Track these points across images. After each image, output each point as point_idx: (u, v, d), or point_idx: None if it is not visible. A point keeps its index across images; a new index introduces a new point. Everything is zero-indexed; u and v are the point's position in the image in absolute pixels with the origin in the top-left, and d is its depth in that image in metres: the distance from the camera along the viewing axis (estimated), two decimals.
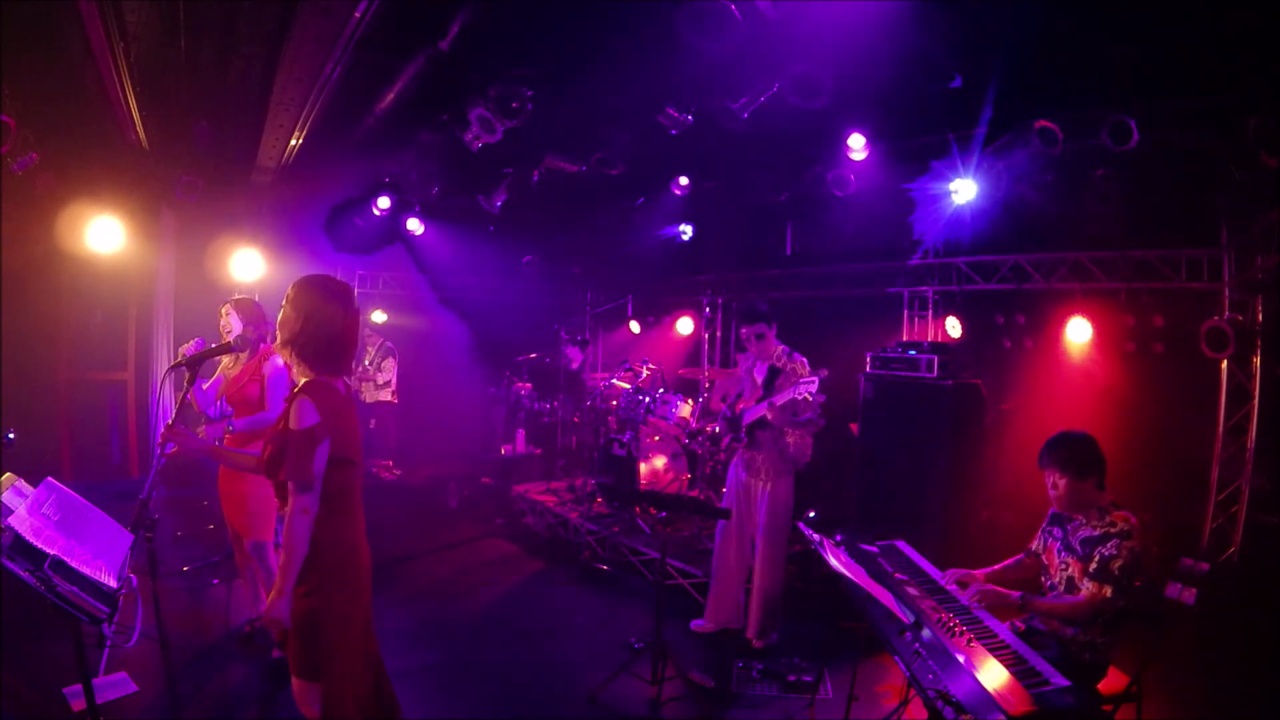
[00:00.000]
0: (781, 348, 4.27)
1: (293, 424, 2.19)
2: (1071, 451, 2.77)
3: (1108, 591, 2.61)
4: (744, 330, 4.30)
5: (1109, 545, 2.65)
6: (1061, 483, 2.77)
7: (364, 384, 8.25)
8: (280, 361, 3.80)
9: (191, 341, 3.86)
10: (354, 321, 2.37)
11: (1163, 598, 4.52)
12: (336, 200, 7.54)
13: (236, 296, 4.05)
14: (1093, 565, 2.67)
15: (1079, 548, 2.76)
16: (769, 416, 4.05)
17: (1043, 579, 2.94)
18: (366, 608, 2.39)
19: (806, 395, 3.84)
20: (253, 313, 3.86)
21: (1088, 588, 2.66)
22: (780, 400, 3.98)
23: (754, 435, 4.22)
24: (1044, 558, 2.96)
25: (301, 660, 2.21)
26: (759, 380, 4.24)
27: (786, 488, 4.24)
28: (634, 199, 7.90)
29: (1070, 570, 2.78)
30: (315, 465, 2.18)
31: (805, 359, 4.23)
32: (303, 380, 2.31)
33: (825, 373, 3.91)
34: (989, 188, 5.40)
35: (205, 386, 3.96)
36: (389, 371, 8.31)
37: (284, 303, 2.33)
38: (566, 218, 8.61)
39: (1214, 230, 4.91)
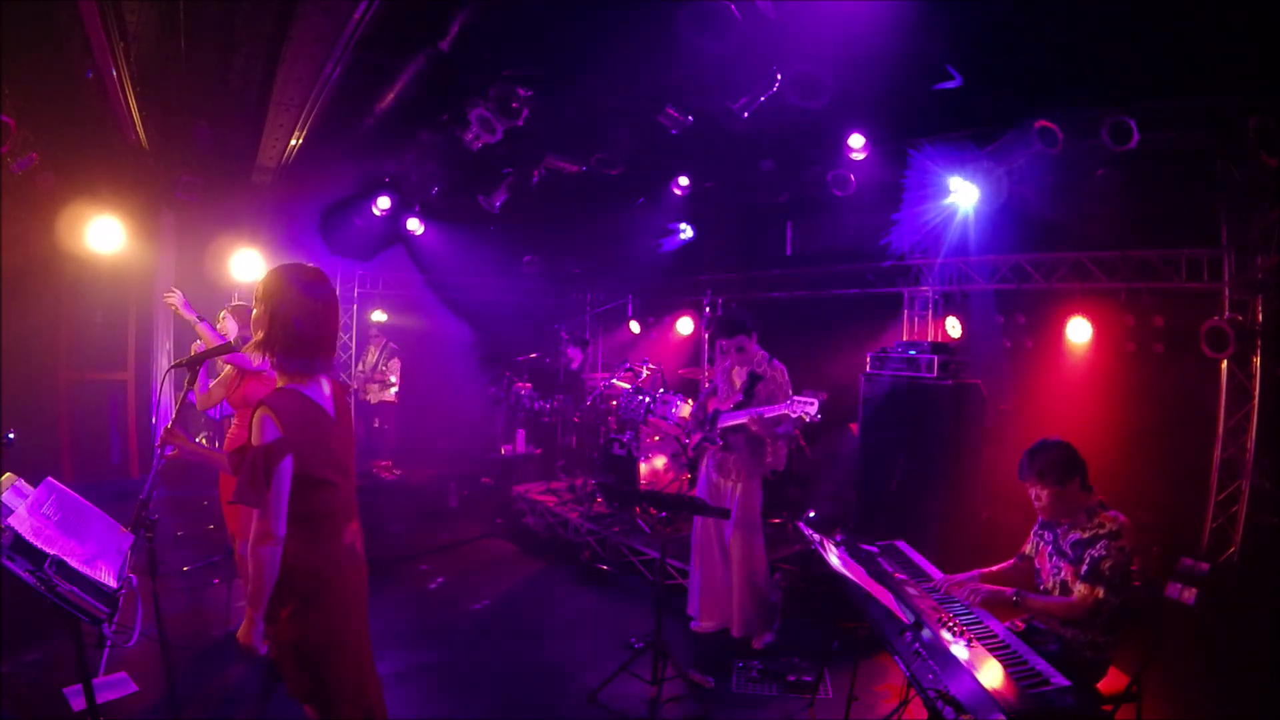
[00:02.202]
0: (762, 353, 4.28)
1: (253, 439, 1.97)
2: (1047, 461, 2.75)
3: (1100, 593, 2.62)
4: (724, 343, 4.28)
5: (1098, 547, 2.65)
6: (1044, 494, 2.77)
7: (370, 385, 8.24)
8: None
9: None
10: (329, 312, 2.12)
11: (1163, 598, 4.52)
12: (336, 200, 7.54)
13: (235, 302, 4.07)
14: (1083, 568, 2.67)
15: (1070, 551, 2.76)
16: (752, 428, 4.04)
17: (1037, 583, 2.94)
18: (359, 631, 2.21)
19: (803, 415, 3.80)
20: (249, 317, 3.88)
21: (1080, 590, 2.66)
22: (769, 413, 3.96)
23: (728, 438, 4.22)
24: (1036, 562, 2.97)
25: (299, 688, 2.10)
26: (738, 384, 4.23)
27: (756, 488, 4.26)
28: (634, 199, 7.90)
29: (1063, 574, 2.79)
30: (275, 485, 1.94)
31: (784, 366, 4.23)
32: (279, 384, 2.10)
33: (824, 395, 3.86)
34: (989, 188, 5.41)
35: (212, 385, 3.97)
36: (396, 371, 8.31)
37: (254, 301, 2.10)
38: (566, 218, 8.61)
39: (1214, 230, 4.92)
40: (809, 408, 3.79)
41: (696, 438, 4.42)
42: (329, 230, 7.69)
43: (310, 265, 2.16)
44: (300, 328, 2.05)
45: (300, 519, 2.02)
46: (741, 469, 4.22)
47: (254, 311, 2.12)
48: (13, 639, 3.51)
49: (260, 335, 2.09)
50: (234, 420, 3.95)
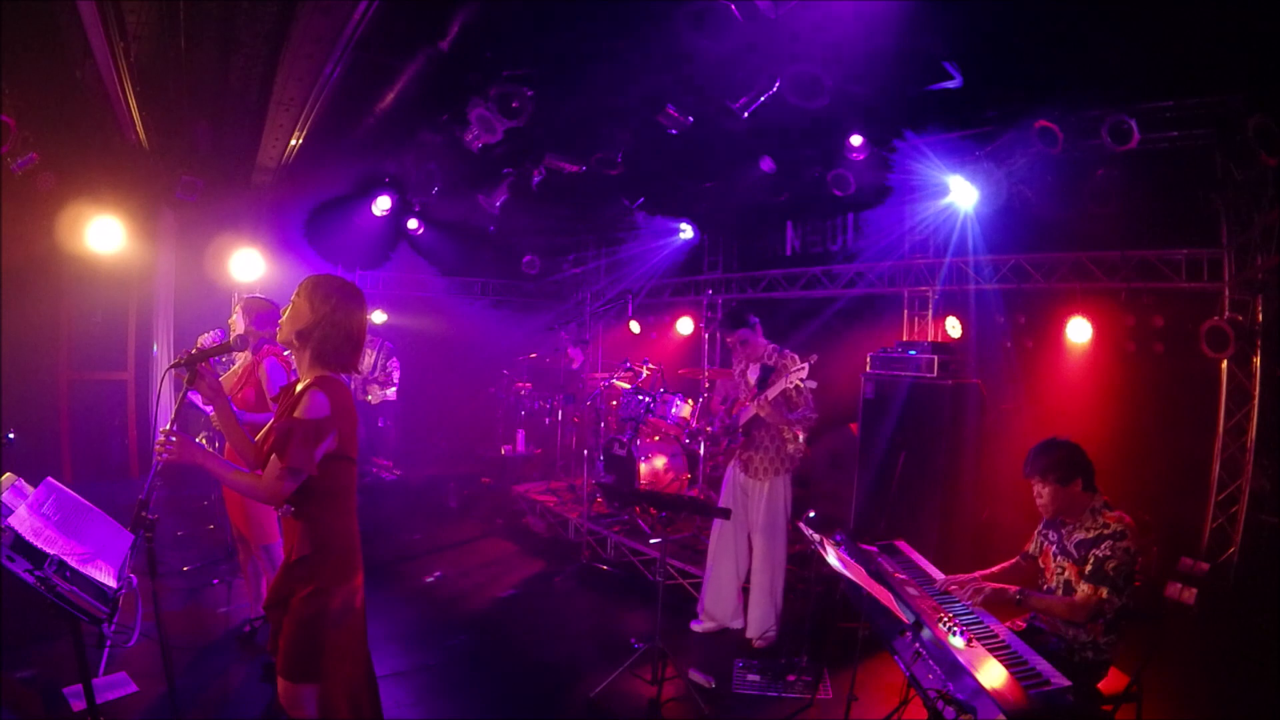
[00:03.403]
0: (770, 346, 4.29)
1: (301, 413, 2.15)
2: (1051, 459, 2.78)
3: (1103, 593, 2.62)
4: (729, 339, 4.32)
5: (1102, 547, 2.66)
6: (1046, 491, 2.79)
7: (371, 385, 8.23)
8: (274, 361, 3.78)
9: (211, 333, 3.85)
10: (364, 329, 2.38)
11: (1163, 598, 4.52)
12: (335, 206, 7.52)
13: (248, 295, 4.02)
14: (1088, 568, 2.67)
15: (1074, 551, 2.76)
16: (761, 414, 4.06)
17: (1040, 583, 2.94)
18: (363, 608, 2.38)
19: (797, 382, 3.87)
20: (259, 311, 3.81)
21: (1084, 590, 2.66)
22: (771, 394, 4.00)
23: (751, 434, 4.23)
24: (1040, 561, 2.97)
25: (298, 662, 2.18)
26: (753, 381, 4.25)
27: (785, 485, 4.25)
28: (634, 199, 7.91)
29: (1067, 574, 2.79)
30: (315, 459, 2.15)
31: (795, 354, 4.24)
32: (313, 374, 2.28)
33: (814, 358, 3.94)
34: (989, 188, 5.40)
35: (222, 377, 3.94)
36: (396, 371, 8.31)
37: (295, 297, 2.31)
38: (567, 218, 8.61)
39: (1214, 230, 4.92)
40: (800, 374, 3.87)
41: (724, 442, 4.43)
42: (329, 237, 7.67)
43: (356, 284, 2.43)
44: (350, 333, 2.32)
45: (335, 494, 2.24)
46: (767, 465, 4.23)
47: (294, 308, 2.29)
48: (13, 639, 3.51)
49: (297, 326, 2.27)
50: None
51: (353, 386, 8.21)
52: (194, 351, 2.38)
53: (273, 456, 2.15)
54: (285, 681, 2.19)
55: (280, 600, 2.23)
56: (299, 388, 2.28)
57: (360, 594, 2.36)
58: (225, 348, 2.58)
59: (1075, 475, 2.75)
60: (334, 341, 2.28)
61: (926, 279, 6.58)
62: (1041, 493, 2.80)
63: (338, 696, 2.22)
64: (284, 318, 2.33)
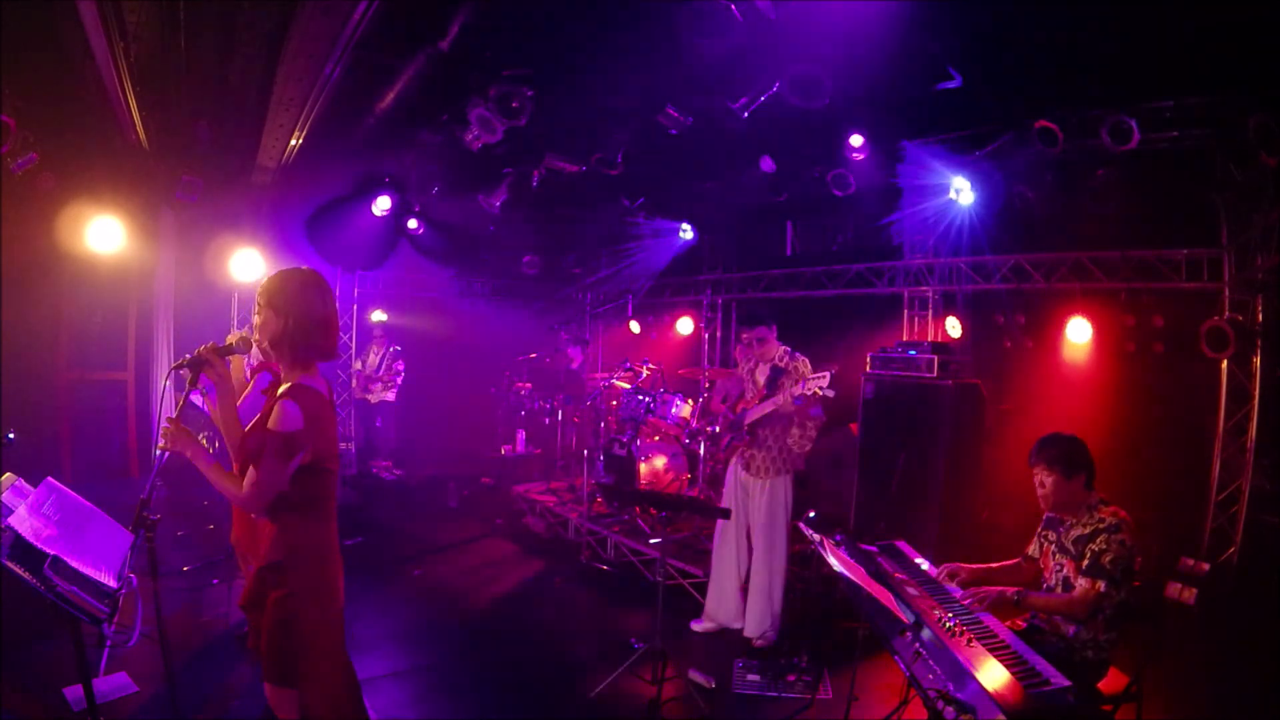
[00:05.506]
0: (783, 348, 4.31)
1: (274, 424, 2.08)
2: (1060, 450, 2.80)
3: (1101, 586, 2.63)
4: (745, 334, 4.35)
5: (1098, 541, 2.68)
6: (1049, 481, 2.80)
7: (372, 385, 8.24)
8: (268, 376, 3.71)
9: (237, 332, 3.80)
10: (334, 312, 2.29)
11: (1163, 598, 4.52)
12: (336, 206, 7.50)
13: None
14: (1084, 562, 2.69)
15: (1072, 548, 2.78)
16: (778, 411, 4.06)
17: (1040, 582, 2.95)
18: (340, 613, 2.33)
19: (817, 390, 3.88)
20: None
21: (1081, 584, 2.68)
22: (782, 397, 4.01)
23: (755, 433, 4.24)
24: (1041, 561, 2.98)
25: (277, 666, 2.17)
26: (761, 381, 4.27)
27: (786, 486, 4.25)
28: (634, 199, 7.90)
29: (1065, 570, 2.80)
30: (287, 473, 2.10)
31: (807, 359, 4.25)
32: (292, 377, 2.21)
33: (836, 368, 3.94)
34: (989, 188, 5.40)
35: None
36: (400, 375, 8.30)
37: (258, 305, 2.22)
38: (566, 218, 8.61)
39: (1214, 230, 4.91)
40: (821, 381, 3.86)
41: (726, 439, 4.44)
42: (329, 237, 7.66)
43: (311, 269, 2.30)
44: (313, 327, 2.20)
45: (307, 503, 2.18)
46: (770, 464, 4.24)
47: (261, 316, 2.20)
48: (13, 639, 3.51)
49: (270, 334, 2.19)
50: None
51: (353, 385, 8.26)
52: (198, 352, 2.35)
53: (250, 466, 2.11)
54: (268, 684, 2.19)
55: (255, 601, 2.21)
56: (279, 391, 2.20)
57: (339, 599, 2.31)
58: (228, 349, 2.51)
59: (1080, 470, 2.78)
60: (307, 335, 2.19)
61: (926, 279, 6.58)
62: (1045, 482, 2.82)
63: (317, 701, 2.20)
64: (256, 329, 2.24)
